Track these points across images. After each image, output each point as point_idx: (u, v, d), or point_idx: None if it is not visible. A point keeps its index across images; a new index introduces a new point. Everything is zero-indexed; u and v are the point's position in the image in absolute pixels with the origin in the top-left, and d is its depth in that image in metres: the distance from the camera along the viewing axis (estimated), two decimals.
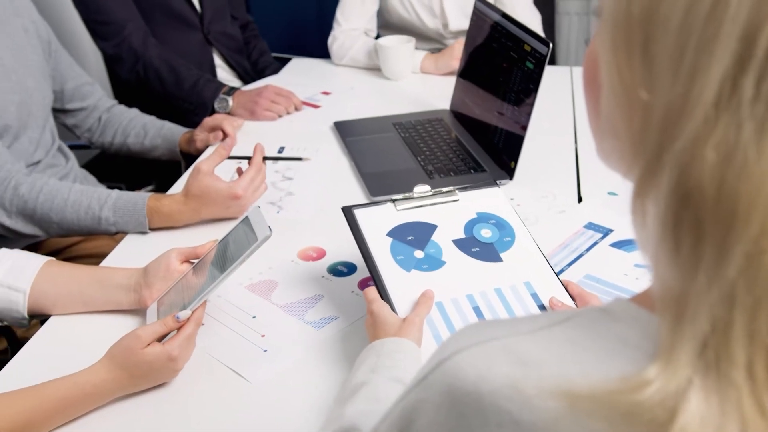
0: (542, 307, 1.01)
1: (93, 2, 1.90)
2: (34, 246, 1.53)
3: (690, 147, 0.39)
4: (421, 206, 1.11)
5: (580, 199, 1.41)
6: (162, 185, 1.80)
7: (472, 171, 1.50)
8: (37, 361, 1.05)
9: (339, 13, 2.14)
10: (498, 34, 1.54)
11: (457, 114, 1.76)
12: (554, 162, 1.56)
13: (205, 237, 1.28)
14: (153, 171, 2.05)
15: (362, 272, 1.20)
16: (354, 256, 1.24)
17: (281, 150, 1.64)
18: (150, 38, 1.95)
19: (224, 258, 1.02)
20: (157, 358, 0.93)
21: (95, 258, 1.49)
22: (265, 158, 1.40)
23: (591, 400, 0.41)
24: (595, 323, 0.48)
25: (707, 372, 0.38)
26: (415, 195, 1.11)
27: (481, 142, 1.60)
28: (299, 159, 1.47)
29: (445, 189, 1.13)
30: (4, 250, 1.14)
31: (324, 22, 3.24)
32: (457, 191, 1.13)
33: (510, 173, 1.45)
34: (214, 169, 1.30)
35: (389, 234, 1.06)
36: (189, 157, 1.76)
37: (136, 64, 1.94)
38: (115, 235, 1.62)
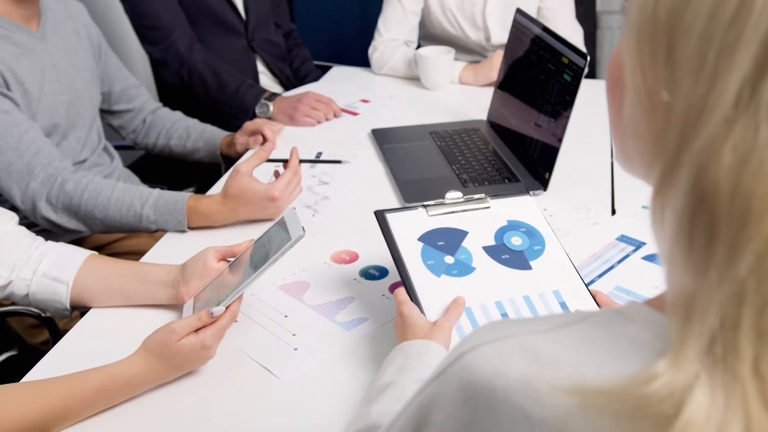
0: None
1: (143, 8, 1.96)
2: (77, 242, 1.57)
3: (708, 147, 0.40)
4: (452, 212, 1.12)
5: (613, 212, 1.41)
6: (202, 187, 1.84)
7: (506, 181, 1.51)
8: (76, 352, 1.09)
9: (381, 24, 2.18)
10: (536, 46, 1.56)
11: (493, 124, 1.77)
12: (589, 175, 1.56)
13: (241, 237, 1.30)
14: (194, 173, 2.10)
15: (393, 276, 1.22)
16: (386, 260, 1.26)
17: (319, 155, 1.67)
18: (196, 44, 2.01)
19: (261, 257, 1.04)
20: (192, 349, 0.96)
21: (135, 255, 1.53)
22: (303, 161, 1.43)
23: (601, 396, 0.43)
24: (610, 324, 0.49)
25: (714, 367, 0.39)
26: (447, 201, 1.13)
27: (516, 152, 1.61)
28: (338, 162, 1.49)
29: (476, 196, 1.14)
30: (50, 243, 1.18)
31: (366, 32, 3.28)
32: (488, 198, 1.15)
33: (544, 184, 1.46)
34: (252, 170, 1.33)
35: (420, 239, 1.08)
36: (229, 159, 1.80)
37: (181, 68, 1.99)
38: (154, 233, 1.67)
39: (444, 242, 1.08)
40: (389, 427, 0.58)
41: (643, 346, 0.47)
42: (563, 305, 1.03)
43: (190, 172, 2.12)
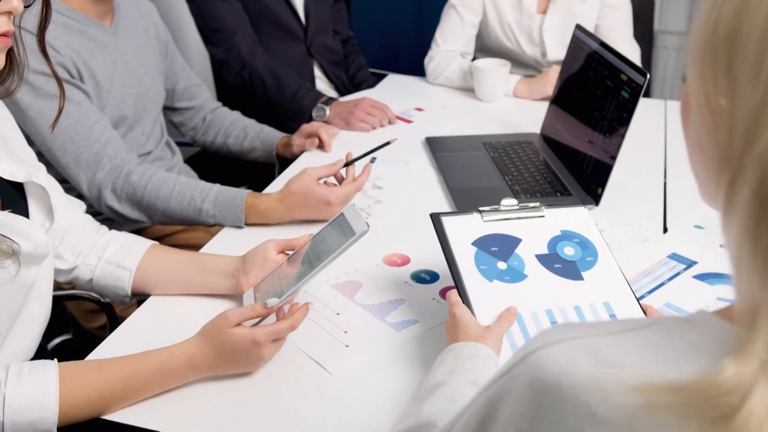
0: None
1: (209, 11, 2.02)
2: (135, 233, 1.63)
3: None
4: (507, 219, 1.14)
5: (665, 230, 1.41)
6: (254, 186, 1.88)
7: (558, 194, 1.52)
8: (135, 337, 1.12)
9: (438, 35, 2.20)
10: (595, 62, 1.57)
11: (546, 138, 1.78)
12: (641, 192, 1.56)
13: (295, 235, 1.34)
14: (246, 172, 2.14)
15: (444, 281, 1.24)
16: (437, 265, 1.28)
17: (373, 160, 1.69)
18: (257, 47, 2.06)
19: (319, 251, 1.07)
20: (243, 339, 0.98)
21: (190, 248, 1.57)
22: (355, 160, 1.46)
23: (669, 392, 0.44)
24: (675, 331, 0.51)
25: None
26: (502, 207, 1.15)
27: (569, 166, 1.62)
28: (387, 144, 1.50)
29: (531, 204, 1.16)
30: (114, 232, 1.23)
31: (420, 41, 3.31)
32: (543, 207, 1.16)
33: (596, 199, 1.47)
34: (318, 176, 1.37)
35: (474, 243, 1.10)
36: (284, 160, 1.84)
37: (242, 69, 2.04)
38: (210, 228, 1.71)
39: (497, 248, 1.10)
40: (453, 422, 0.60)
41: (707, 353, 0.48)
42: (613, 318, 1.04)
43: (242, 172, 2.17)
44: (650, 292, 1.22)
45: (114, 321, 1.41)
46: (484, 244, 1.10)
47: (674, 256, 1.32)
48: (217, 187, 1.41)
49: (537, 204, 1.16)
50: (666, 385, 0.45)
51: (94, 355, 1.08)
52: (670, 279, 1.25)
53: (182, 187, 1.41)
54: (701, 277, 1.26)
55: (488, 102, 2.09)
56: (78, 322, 1.62)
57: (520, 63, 2.26)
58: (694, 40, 0.50)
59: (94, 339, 1.62)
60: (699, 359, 0.48)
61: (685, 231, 1.41)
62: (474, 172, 1.63)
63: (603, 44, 1.56)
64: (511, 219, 1.14)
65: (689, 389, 0.44)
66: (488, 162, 1.67)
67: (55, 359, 0.96)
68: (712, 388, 0.43)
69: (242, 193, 1.39)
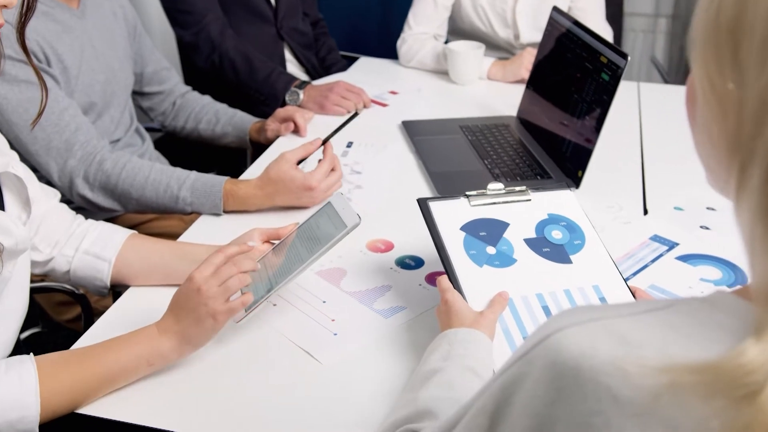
0: None
1: None
2: (108, 222, 1.59)
3: None
4: (494, 203, 1.13)
5: (645, 212, 1.42)
6: (224, 172, 1.84)
7: (538, 177, 1.51)
8: (115, 329, 1.08)
9: (411, 17, 2.18)
10: (573, 44, 1.56)
11: (523, 121, 1.77)
12: (620, 174, 1.57)
13: (275, 223, 1.31)
14: (215, 158, 2.10)
15: (429, 267, 1.23)
16: (421, 250, 1.27)
17: (350, 145, 1.68)
18: (228, 29, 2.01)
19: (308, 243, 1.05)
20: (207, 312, 0.95)
21: (165, 237, 1.53)
22: (330, 135, 1.44)
23: (693, 372, 0.44)
24: (696, 311, 0.50)
25: None
26: (489, 192, 1.14)
27: (547, 149, 1.62)
28: (356, 114, 1.48)
29: (518, 188, 1.15)
30: (91, 221, 1.19)
31: (387, 23, 3.29)
32: (529, 191, 1.15)
33: (577, 182, 1.47)
34: (296, 161, 1.35)
35: (462, 228, 1.09)
36: (257, 146, 1.81)
37: (212, 53, 1.99)
38: (185, 216, 1.67)
39: (486, 233, 1.09)
40: (466, 408, 0.59)
41: (729, 332, 0.48)
42: (603, 300, 1.03)
43: (210, 157, 2.12)
44: (635, 274, 1.22)
45: (89, 313, 1.37)
46: (473, 229, 1.09)
47: (656, 238, 1.32)
48: (194, 174, 1.38)
49: (523, 188, 1.16)
50: (689, 366, 0.45)
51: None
52: (653, 261, 1.26)
53: (158, 175, 1.37)
54: (684, 258, 1.26)
55: (462, 85, 2.08)
56: (47, 314, 1.57)
57: (492, 45, 2.24)
58: (697, 29, 0.50)
59: (66, 332, 1.58)
60: (721, 339, 0.48)
61: (665, 213, 1.42)
62: (453, 156, 1.61)
63: (581, 26, 1.55)
64: (498, 203, 1.13)
65: (713, 369, 0.44)
66: (466, 145, 1.66)
67: (31, 354, 0.92)
68: (737, 368, 0.43)
69: (220, 180, 1.36)
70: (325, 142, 1.42)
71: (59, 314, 1.55)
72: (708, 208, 1.42)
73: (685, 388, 0.44)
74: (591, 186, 1.48)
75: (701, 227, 1.36)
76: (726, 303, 0.50)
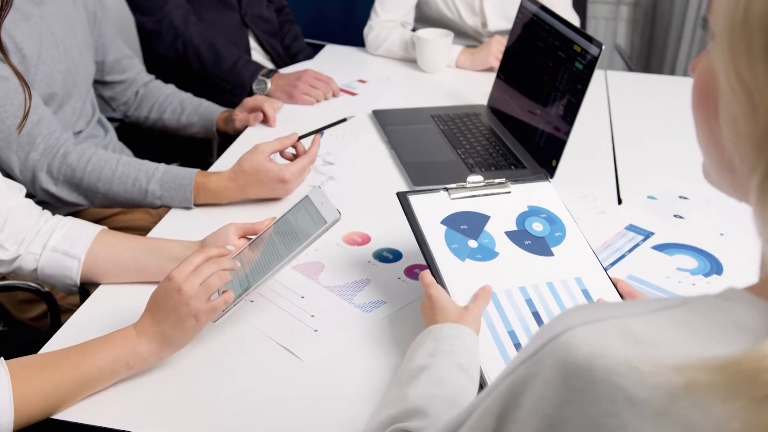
0: None
1: None
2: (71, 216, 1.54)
3: None
4: (474, 196, 1.12)
5: (620, 201, 1.42)
6: (187, 163, 1.80)
7: (512, 167, 1.51)
8: (86, 328, 1.05)
9: (378, 4, 2.15)
10: (545, 33, 1.55)
11: (494, 110, 1.77)
12: (592, 164, 1.57)
13: (247, 215, 1.29)
14: (179, 149, 2.06)
15: (408, 260, 1.21)
16: (399, 243, 1.25)
17: (322, 134, 1.64)
18: (191, 16, 1.96)
19: (286, 239, 1.03)
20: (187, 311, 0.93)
21: (131, 230, 1.50)
22: (307, 134, 1.41)
23: (711, 372, 0.43)
24: (709, 309, 0.49)
25: None
26: (468, 185, 1.12)
27: (519, 139, 1.61)
28: (343, 120, 1.46)
29: (497, 180, 1.14)
30: (59, 217, 1.15)
31: (351, 10, 3.25)
32: (509, 183, 1.14)
33: (551, 172, 1.46)
34: (271, 152, 1.32)
35: (443, 222, 1.07)
36: (225, 136, 1.77)
37: (176, 40, 1.94)
38: (151, 209, 1.63)
39: (467, 226, 1.08)
40: (470, 409, 0.58)
41: (745, 331, 0.47)
42: (585, 293, 1.03)
43: (174, 148, 2.08)
44: (612, 264, 1.23)
45: (55, 311, 1.33)
46: (453, 222, 1.08)
47: (632, 228, 1.33)
48: (163, 167, 1.34)
49: (503, 180, 1.15)
50: (707, 364, 0.44)
51: (46, 351, 1.01)
52: (630, 251, 1.26)
53: (125, 168, 1.33)
54: (660, 247, 1.27)
55: (431, 73, 2.06)
56: (9, 312, 1.52)
57: (460, 33, 2.23)
58: (721, 21, 0.48)
59: (28, 330, 1.53)
60: (738, 337, 0.47)
61: (639, 202, 1.42)
62: (426, 145, 1.60)
63: (553, 14, 1.54)
64: (479, 196, 1.12)
65: (732, 368, 0.43)
66: (439, 135, 1.65)
67: (1, 358, 0.89)
68: (757, 367, 0.42)
69: (191, 173, 1.33)
70: (301, 138, 1.39)
71: (21, 312, 1.50)
72: (680, 197, 1.43)
73: (703, 388, 0.43)
74: (564, 175, 1.48)
75: (675, 216, 1.37)
76: (740, 300, 0.49)
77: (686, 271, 1.21)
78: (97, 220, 1.58)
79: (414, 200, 1.09)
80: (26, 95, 1.03)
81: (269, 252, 1.03)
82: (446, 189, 1.12)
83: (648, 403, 0.46)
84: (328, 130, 1.65)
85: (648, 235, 1.31)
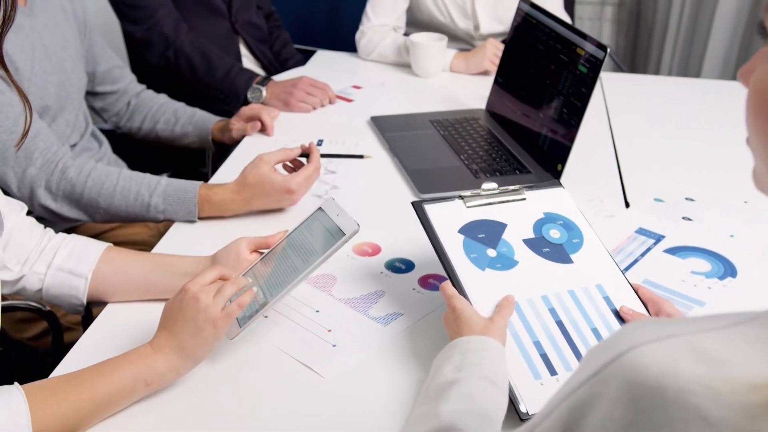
0: (615, 312, 1.01)
1: None
2: (67, 232, 1.50)
3: None
4: (490, 203, 1.10)
5: (627, 205, 1.41)
6: (177, 174, 1.77)
7: (517, 172, 1.49)
8: (97, 351, 1.01)
9: (369, 9, 2.13)
10: (545, 36, 1.54)
11: (494, 114, 1.75)
12: (595, 166, 1.56)
13: (253, 228, 1.27)
14: (169, 159, 2.02)
15: (420, 269, 1.19)
16: (410, 252, 1.23)
17: (320, 143, 1.63)
18: (182, 24, 1.93)
19: (303, 250, 1.00)
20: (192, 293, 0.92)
21: (130, 245, 1.46)
22: (324, 155, 1.39)
23: None
24: None
25: None
26: (483, 192, 1.11)
27: (522, 143, 1.60)
28: (360, 157, 1.45)
29: (512, 187, 1.12)
30: (62, 235, 1.12)
31: (336, 15, 3.23)
32: (523, 190, 1.13)
33: (557, 176, 1.45)
34: (275, 163, 1.29)
35: (461, 231, 1.06)
36: (220, 146, 1.74)
37: (167, 49, 1.91)
38: (149, 223, 1.60)
39: (484, 234, 1.06)
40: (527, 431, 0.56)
41: None
42: (607, 300, 1.02)
43: (164, 159, 2.04)
44: (627, 269, 1.21)
45: (57, 329, 1.29)
46: (471, 231, 1.06)
47: (642, 231, 1.32)
48: (165, 180, 1.30)
49: (517, 187, 1.13)
50: None
51: (57, 373, 0.97)
52: (642, 255, 1.25)
53: (127, 182, 1.29)
54: (672, 251, 1.26)
55: (425, 77, 2.04)
56: (6, 333, 1.48)
57: (451, 37, 2.21)
58: None
59: (26, 350, 1.49)
60: None
61: (646, 205, 1.41)
62: (428, 152, 1.58)
63: (553, 17, 1.53)
64: (494, 203, 1.10)
65: None
66: (440, 141, 1.63)
67: (16, 383, 0.85)
68: None
69: (194, 185, 1.29)
70: (307, 155, 1.36)
71: (19, 332, 1.45)
72: (687, 199, 1.43)
73: None
74: (569, 179, 1.46)
75: (683, 218, 1.37)
76: None
77: (701, 274, 1.20)
78: (94, 236, 1.53)
79: (430, 209, 1.07)
80: (27, 111, 0.99)
81: (284, 266, 1.01)
82: (461, 197, 1.10)
83: (725, 422, 0.44)
84: (327, 140, 1.63)
85: (659, 238, 1.30)
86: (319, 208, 1.05)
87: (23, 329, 1.44)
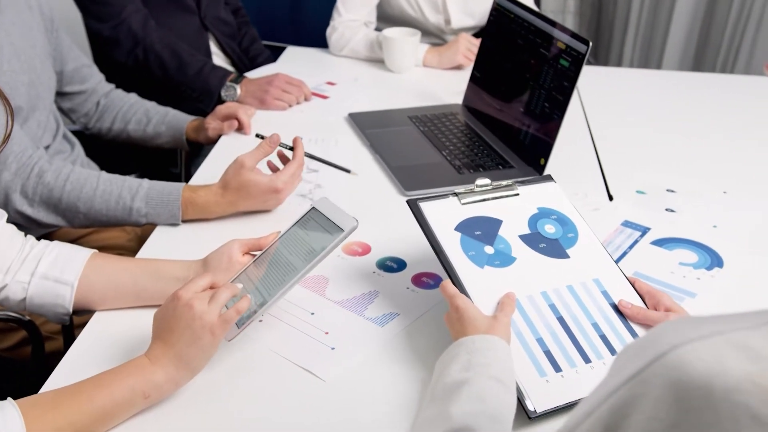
0: (614, 306, 1.01)
1: None
2: (44, 238, 1.45)
3: None
4: (484, 200, 1.09)
5: (610, 198, 1.42)
6: (147, 175, 1.73)
7: (500, 167, 1.49)
8: (88, 363, 0.98)
9: (340, 3, 2.11)
10: (524, 30, 1.54)
11: (471, 109, 1.75)
12: (577, 160, 1.57)
13: (238, 230, 1.24)
14: (140, 159, 1.97)
15: (412, 268, 1.18)
16: (401, 251, 1.22)
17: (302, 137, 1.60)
18: (150, 21, 1.88)
19: (300, 250, 0.99)
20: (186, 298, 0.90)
21: (108, 249, 1.42)
22: (309, 156, 1.37)
23: None
24: None
25: None
26: (477, 189, 1.10)
27: (502, 138, 1.60)
28: (347, 171, 1.44)
29: (504, 182, 1.12)
30: (45, 242, 1.08)
31: (299, 10, 3.20)
32: (516, 185, 1.12)
33: (539, 170, 1.45)
34: (256, 164, 1.26)
35: (457, 229, 1.05)
36: (194, 145, 1.70)
37: (135, 47, 1.86)
38: (126, 227, 1.55)
39: (481, 231, 1.05)
40: None
41: None
42: (605, 294, 1.02)
43: (135, 158, 1.99)
44: (617, 262, 1.21)
45: (38, 339, 1.25)
46: (467, 228, 1.05)
47: (627, 224, 1.33)
48: (147, 182, 1.27)
49: (510, 182, 1.13)
50: None
51: (47, 388, 0.94)
52: (630, 247, 1.26)
53: (107, 185, 1.25)
54: (659, 243, 1.27)
55: (399, 73, 2.03)
56: None
57: (423, 31, 2.19)
58: None
59: (3, 361, 1.44)
60: None
61: (629, 197, 1.42)
62: (409, 148, 1.57)
63: (531, 11, 1.53)
64: (488, 199, 1.10)
65: None
66: (420, 137, 1.62)
67: (10, 398, 0.82)
68: None
69: (177, 187, 1.26)
70: (291, 148, 1.33)
71: None
72: (668, 190, 1.44)
73: None
74: (553, 174, 1.46)
75: (667, 210, 1.38)
76: None
77: (689, 265, 1.22)
78: (70, 241, 1.49)
79: (425, 207, 1.06)
80: (8, 115, 0.95)
81: (279, 266, 0.99)
82: (456, 194, 1.09)
83: None
84: (307, 138, 1.61)
85: (645, 230, 1.31)
86: (313, 208, 1.03)
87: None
